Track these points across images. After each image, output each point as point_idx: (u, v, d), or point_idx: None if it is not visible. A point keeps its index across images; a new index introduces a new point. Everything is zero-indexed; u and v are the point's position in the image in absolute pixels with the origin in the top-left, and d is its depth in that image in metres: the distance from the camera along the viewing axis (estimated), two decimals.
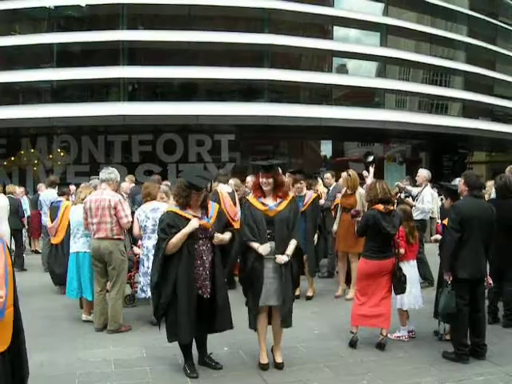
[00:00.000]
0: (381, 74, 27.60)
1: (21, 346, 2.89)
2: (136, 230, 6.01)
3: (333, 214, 7.77)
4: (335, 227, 7.31)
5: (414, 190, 7.85)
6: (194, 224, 4.19)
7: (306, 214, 6.64)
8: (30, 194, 14.93)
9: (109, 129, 24.65)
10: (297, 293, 6.11)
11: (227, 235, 4.40)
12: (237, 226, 5.46)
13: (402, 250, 5.19)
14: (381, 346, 4.93)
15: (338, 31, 26.67)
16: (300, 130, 24.58)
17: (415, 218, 6.50)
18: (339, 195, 7.45)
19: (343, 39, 26.47)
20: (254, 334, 4.56)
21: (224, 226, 4.48)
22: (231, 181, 8.06)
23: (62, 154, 25.68)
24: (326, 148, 31.29)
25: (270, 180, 4.42)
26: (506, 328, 5.55)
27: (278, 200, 4.45)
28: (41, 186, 12.29)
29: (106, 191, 5.72)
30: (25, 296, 5.80)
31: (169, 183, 8.20)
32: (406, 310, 5.28)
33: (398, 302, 5.21)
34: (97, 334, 5.60)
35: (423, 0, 27.63)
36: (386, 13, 27.38)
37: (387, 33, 27.11)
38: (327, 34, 26.57)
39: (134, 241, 7.01)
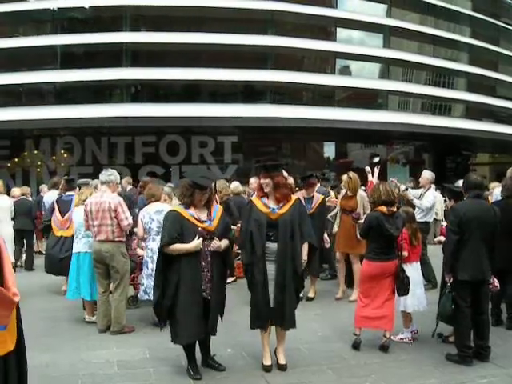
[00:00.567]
0: (384, 75, 27.58)
1: (21, 344, 2.99)
2: (140, 232, 5.99)
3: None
4: (335, 228, 7.32)
5: (414, 192, 7.84)
6: (196, 245, 4.19)
7: (314, 217, 6.51)
8: (34, 196, 14.94)
9: (112, 130, 24.68)
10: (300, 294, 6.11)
11: (224, 243, 4.37)
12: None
13: (405, 253, 5.18)
14: (384, 348, 4.93)
15: (341, 33, 26.67)
16: (303, 131, 24.57)
17: (419, 221, 6.49)
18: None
19: (346, 41, 26.48)
20: (257, 335, 4.57)
21: (226, 229, 4.48)
22: (232, 185, 8.03)
23: (65, 155, 25.75)
24: (329, 149, 31.31)
25: (268, 180, 4.42)
26: (510, 330, 5.54)
27: (281, 202, 4.45)
28: (43, 188, 12.31)
29: (105, 193, 5.72)
30: (27, 297, 5.87)
31: (172, 185, 8.19)
32: (410, 313, 5.27)
33: (402, 305, 5.21)
34: (100, 335, 5.60)
35: (426, 1, 27.67)
36: (389, 14, 27.41)
37: (390, 34, 27.11)
38: (330, 36, 26.57)
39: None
